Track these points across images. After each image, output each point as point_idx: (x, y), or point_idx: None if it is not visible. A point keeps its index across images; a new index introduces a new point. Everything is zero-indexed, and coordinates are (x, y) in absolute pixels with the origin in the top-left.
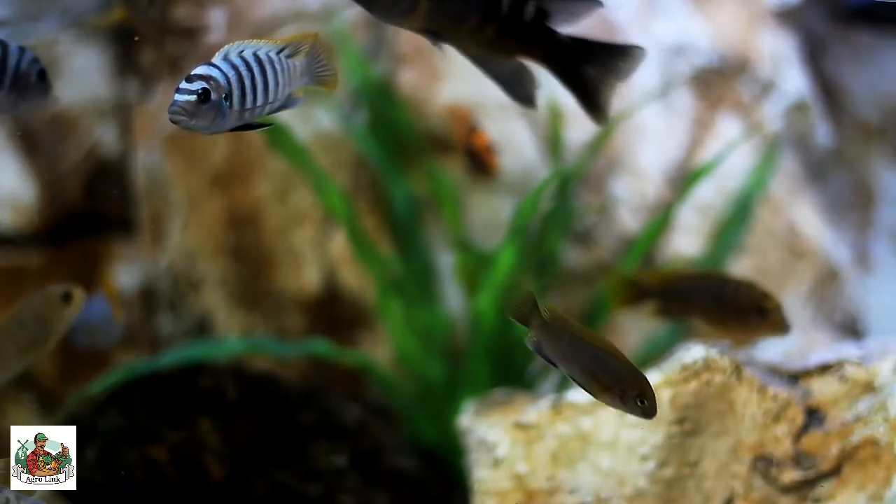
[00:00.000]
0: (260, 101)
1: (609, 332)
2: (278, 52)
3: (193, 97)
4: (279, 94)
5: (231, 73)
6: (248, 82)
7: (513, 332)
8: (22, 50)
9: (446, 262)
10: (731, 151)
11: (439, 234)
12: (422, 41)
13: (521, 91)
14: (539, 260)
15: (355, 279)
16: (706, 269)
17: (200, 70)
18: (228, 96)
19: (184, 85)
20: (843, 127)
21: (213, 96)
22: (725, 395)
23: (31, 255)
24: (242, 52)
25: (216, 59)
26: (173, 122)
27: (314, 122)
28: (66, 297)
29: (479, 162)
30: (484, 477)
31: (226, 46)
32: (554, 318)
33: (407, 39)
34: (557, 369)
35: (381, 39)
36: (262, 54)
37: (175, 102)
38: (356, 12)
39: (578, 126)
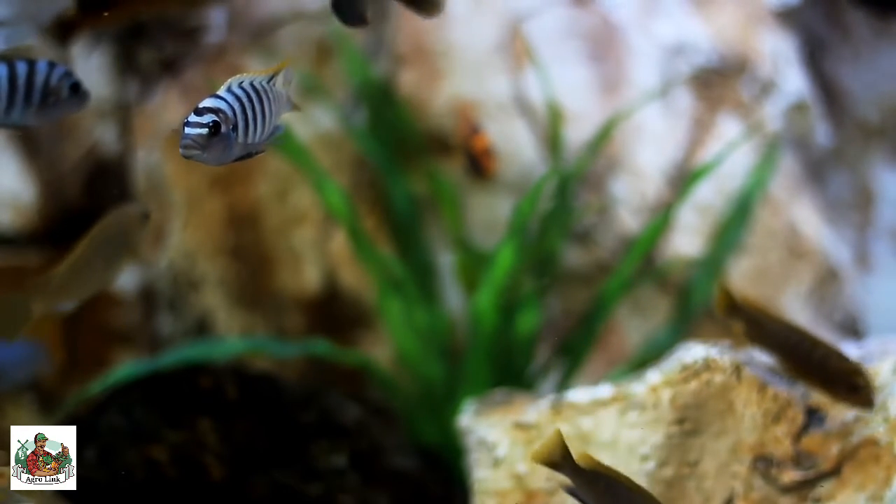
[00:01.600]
0: (259, 130)
1: (609, 333)
2: (269, 81)
3: (205, 130)
4: (273, 123)
5: (236, 105)
6: (249, 113)
7: (513, 332)
8: (51, 65)
9: (446, 262)
10: (731, 151)
11: (439, 234)
12: (422, 41)
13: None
14: (539, 260)
15: (355, 279)
16: (797, 325)
17: (209, 102)
18: (235, 127)
19: (193, 118)
20: (843, 127)
21: (223, 129)
22: (725, 395)
23: (31, 255)
24: (242, 83)
25: (222, 91)
26: (185, 156)
27: (314, 122)
28: (145, 216)
29: (477, 165)
30: (484, 477)
31: (229, 80)
32: (586, 464)
33: (407, 39)
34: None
35: (381, 39)
36: (257, 84)
37: (186, 135)
38: None
39: (578, 126)
